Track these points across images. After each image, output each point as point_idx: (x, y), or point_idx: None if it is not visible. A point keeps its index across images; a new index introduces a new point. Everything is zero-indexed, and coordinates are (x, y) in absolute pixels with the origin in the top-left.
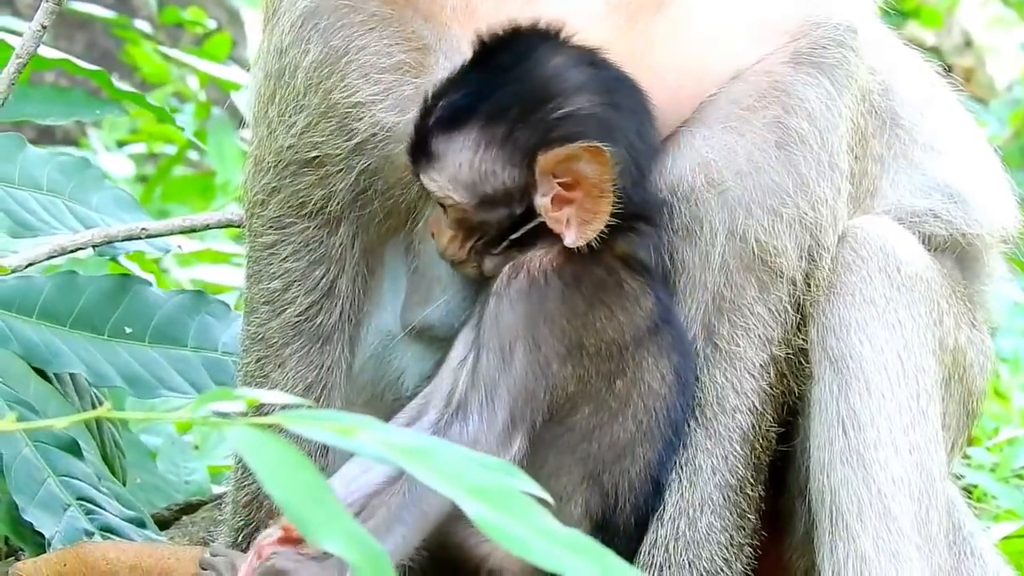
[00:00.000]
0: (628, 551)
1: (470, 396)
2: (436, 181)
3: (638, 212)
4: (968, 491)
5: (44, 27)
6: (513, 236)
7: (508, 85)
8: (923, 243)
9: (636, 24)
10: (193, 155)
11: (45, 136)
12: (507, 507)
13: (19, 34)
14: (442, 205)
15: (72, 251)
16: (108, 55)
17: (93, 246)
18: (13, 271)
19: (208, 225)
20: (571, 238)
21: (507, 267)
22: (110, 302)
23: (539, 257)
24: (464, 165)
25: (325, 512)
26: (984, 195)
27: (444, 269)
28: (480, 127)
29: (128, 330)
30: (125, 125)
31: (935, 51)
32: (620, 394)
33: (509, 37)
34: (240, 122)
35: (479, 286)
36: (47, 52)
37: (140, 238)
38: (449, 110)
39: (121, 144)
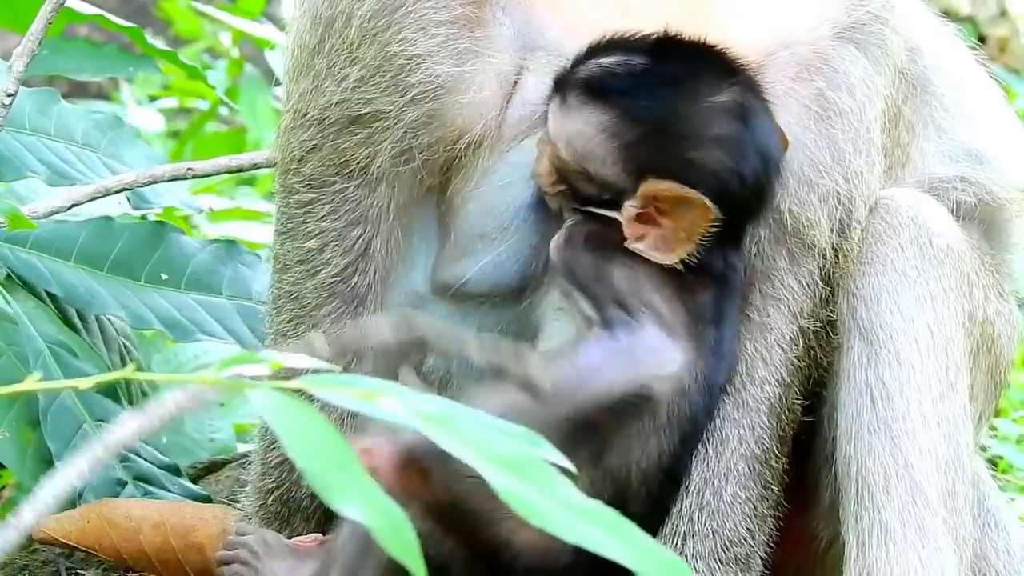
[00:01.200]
0: None
1: (608, 311)
2: (555, 124)
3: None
4: (993, 463)
5: None
6: (593, 209)
7: (664, 95)
8: (951, 211)
9: None
10: (224, 111)
11: (77, 90)
12: (531, 478)
13: None
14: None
15: (117, 191)
16: (142, 9)
17: (139, 186)
18: (55, 212)
19: (256, 165)
20: (635, 247)
21: (574, 224)
22: (146, 249)
23: (607, 231)
24: (583, 135)
25: (347, 478)
26: (1011, 157)
27: (492, 225)
28: (616, 116)
29: (164, 276)
30: (157, 80)
31: (969, 21)
32: None
33: (694, 46)
34: (273, 79)
35: (530, 243)
36: (81, 7)
37: (186, 178)
38: (603, 76)
39: (152, 99)
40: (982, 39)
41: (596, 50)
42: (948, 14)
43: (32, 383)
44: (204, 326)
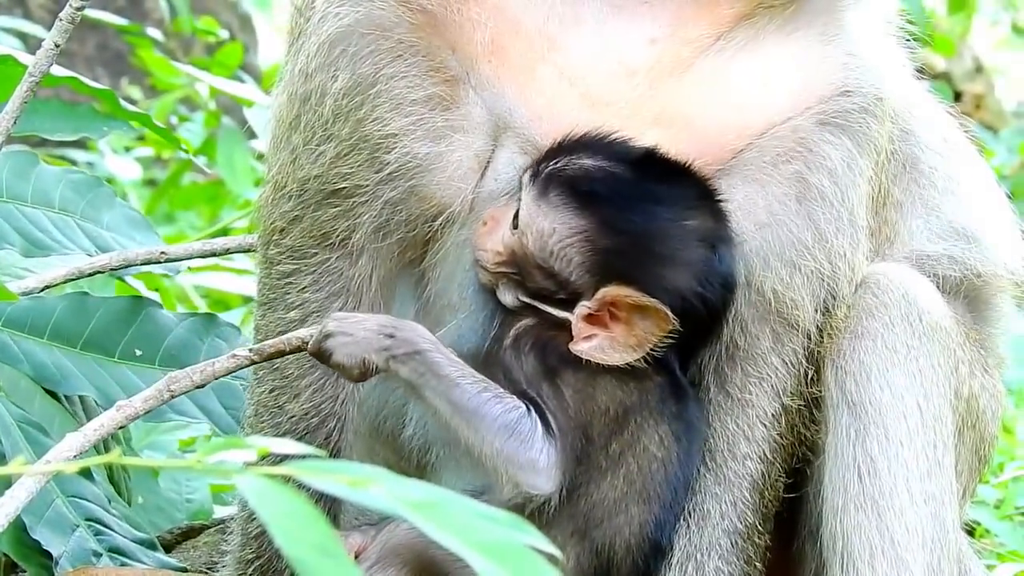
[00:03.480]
0: None
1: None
2: (528, 215)
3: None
4: (970, 529)
5: (58, 46)
6: (539, 303)
7: (647, 212)
8: (937, 285)
9: (660, 86)
10: (203, 160)
11: (53, 140)
12: (515, 565)
13: (30, 37)
14: (515, 225)
15: (90, 274)
16: (119, 57)
17: (112, 269)
18: (28, 294)
19: (228, 249)
20: (579, 348)
21: (524, 328)
22: (121, 324)
23: (554, 335)
24: (555, 233)
25: (334, 565)
26: (997, 237)
27: (456, 295)
28: (596, 222)
29: (138, 352)
30: (134, 131)
31: (945, 77)
32: (612, 454)
33: (675, 166)
34: (251, 132)
35: (488, 312)
36: (55, 70)
37: (159, 262)
38: (588, 180)
39: (128, 149)
40: (958, 95)
41: (579, 146)
42: (924, 71)
43: (20, 466)
44: (177, 406)
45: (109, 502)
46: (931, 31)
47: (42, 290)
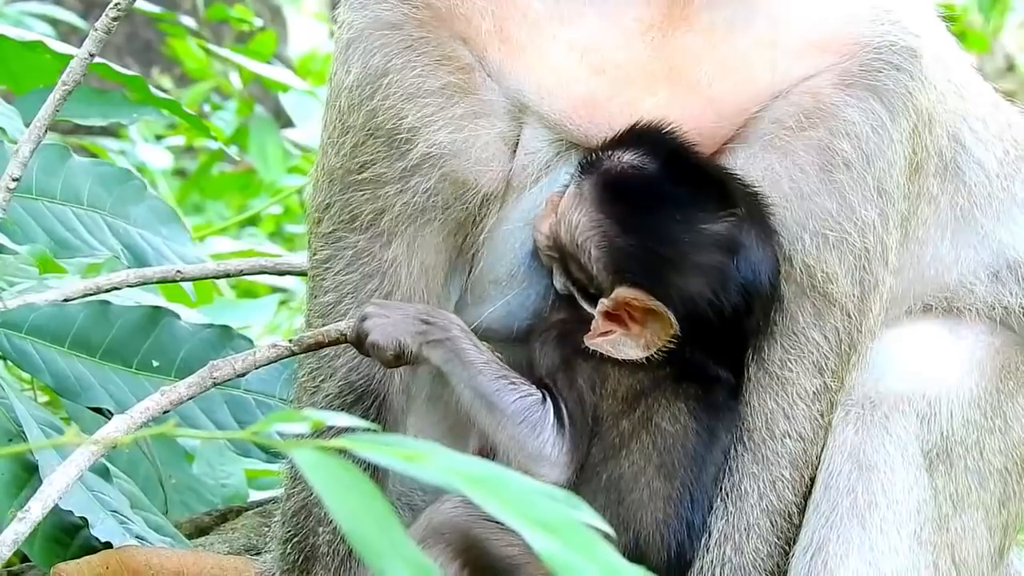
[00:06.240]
0: None
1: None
2: (565, 205)
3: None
4: None
5: (92, 55)
6: (576, 292)
7: (660, 214)
8: (991, 319)
9: (672, 41)
10: (234, 149)
11: (84, 127)
12: (574, 542)
13: (61, 23)
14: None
15: (108, 290)
16: (149, 46)
17: (129, 286)
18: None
19: (242, 271)
20: (593, 341)
21: (554, 316)
22: (141, 334)
23: (579, 326)
24: (579, 226)
25: (389, 539)
26: None
27: (504, 272)
28: (612, 220)
29: (155, 364)
30: (164, 118)
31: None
32: (623, 431)
33: (703, 167)
34: (284, 120)
35: (540, 290)
36: None
37: (175, 281)
38: (616, 176)
39: (160, 137)
40: None
41: (631, 139)
42: None
43: (73, 437)
44: (191, 419)
45: (131, 506)
46: (964, 28)
47: (63, 301)
